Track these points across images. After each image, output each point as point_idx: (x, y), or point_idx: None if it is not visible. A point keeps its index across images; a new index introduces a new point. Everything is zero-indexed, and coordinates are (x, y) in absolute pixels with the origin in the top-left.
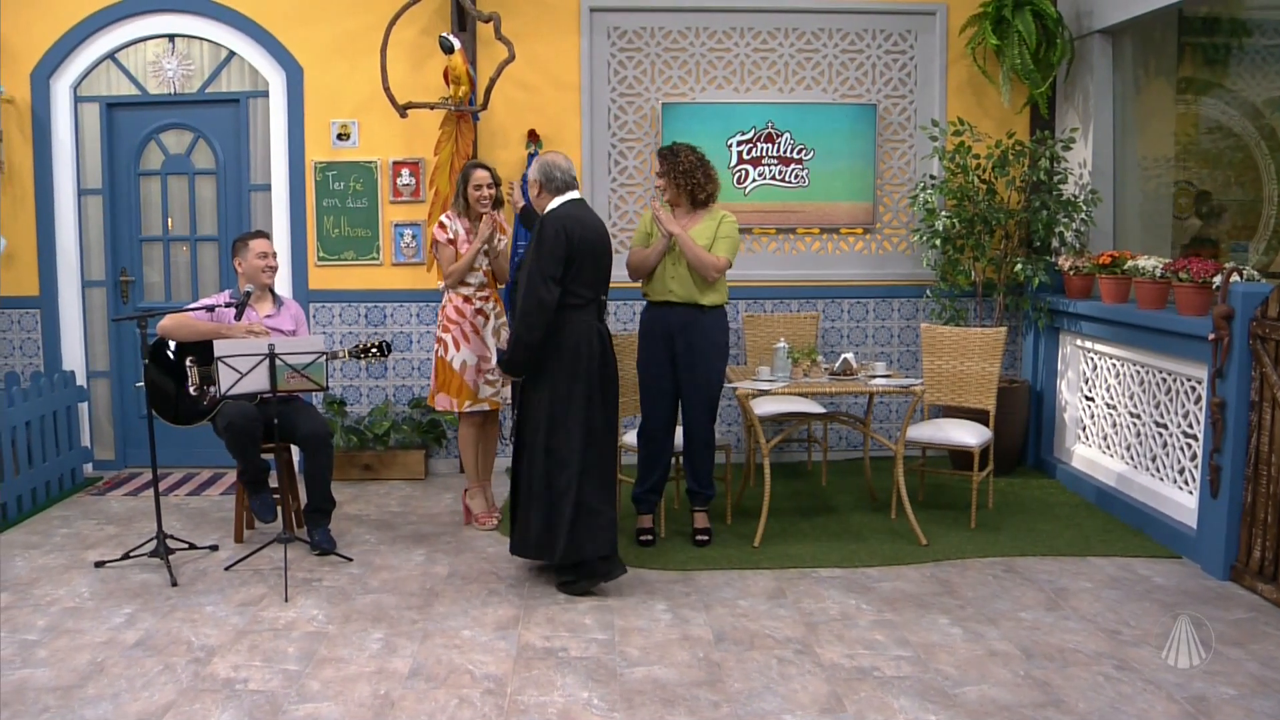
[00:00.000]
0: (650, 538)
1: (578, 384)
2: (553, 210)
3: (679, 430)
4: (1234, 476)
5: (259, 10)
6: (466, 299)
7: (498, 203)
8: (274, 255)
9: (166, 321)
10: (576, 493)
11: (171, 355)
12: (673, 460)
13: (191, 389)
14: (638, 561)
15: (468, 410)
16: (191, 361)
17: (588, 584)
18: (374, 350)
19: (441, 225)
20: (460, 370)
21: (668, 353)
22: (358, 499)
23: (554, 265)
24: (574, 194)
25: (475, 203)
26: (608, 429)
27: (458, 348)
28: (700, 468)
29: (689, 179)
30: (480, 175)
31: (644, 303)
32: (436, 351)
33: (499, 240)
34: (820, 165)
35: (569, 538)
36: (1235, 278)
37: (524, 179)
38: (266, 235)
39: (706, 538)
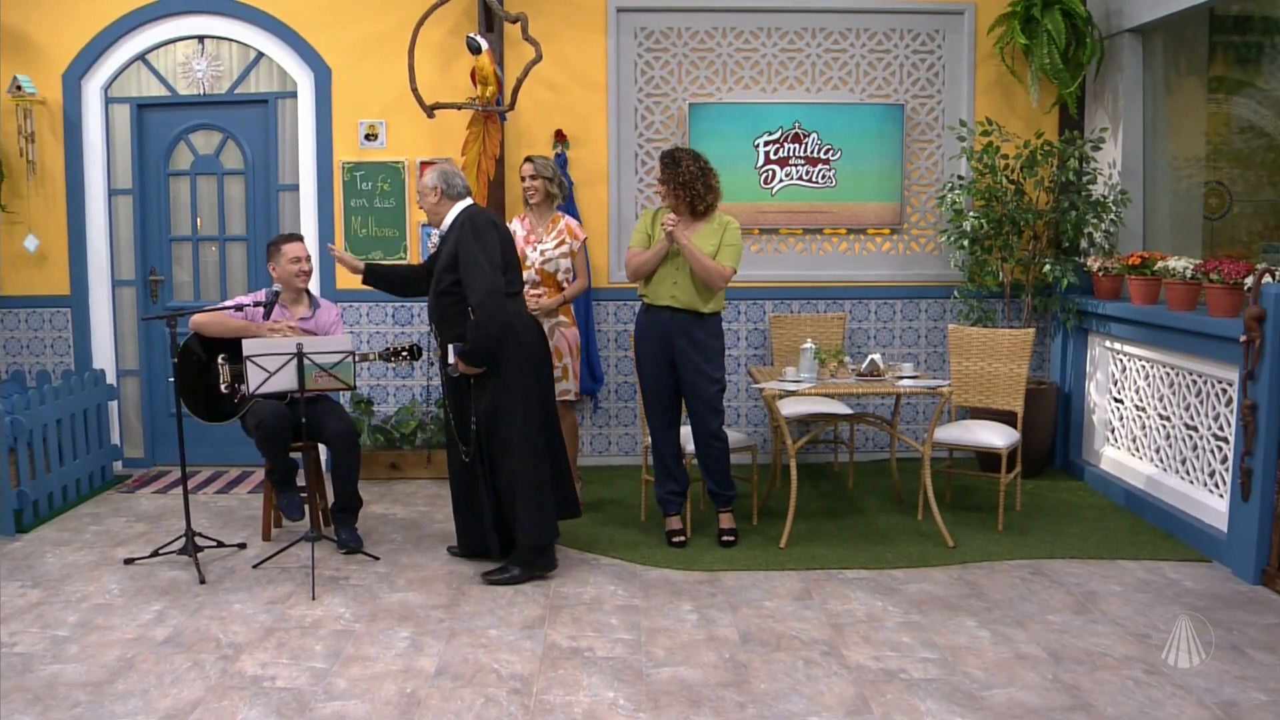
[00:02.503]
0: (683, 539)
1: (532, 371)
2: (467, 208)
3: (687, 431)
4: (1265, 480)
5: (288, 11)
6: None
7: (549, 196)
8: (308, 259)
9: (199, 316)
10: (550, 474)
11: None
12: (684, 460)
13: (223, 386)
14: (664, 562)
15: None
16: (223, 359)
17: (539, 571)
18: (404, 354)
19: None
20: None
21: (666, 356)
22: (385, 498)
23: (496, 253)
24: (469, 200)
25: (525, 193)
26: (554, 410)
27: None
28: (716, 469)
29: (688, 190)
30: (524, 168)
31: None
32: None
33: (568, 242)
34: (847, 165)
35: (544, 517)
36: (1267, 279)
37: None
38: (300, 238)
39: (732, 538)
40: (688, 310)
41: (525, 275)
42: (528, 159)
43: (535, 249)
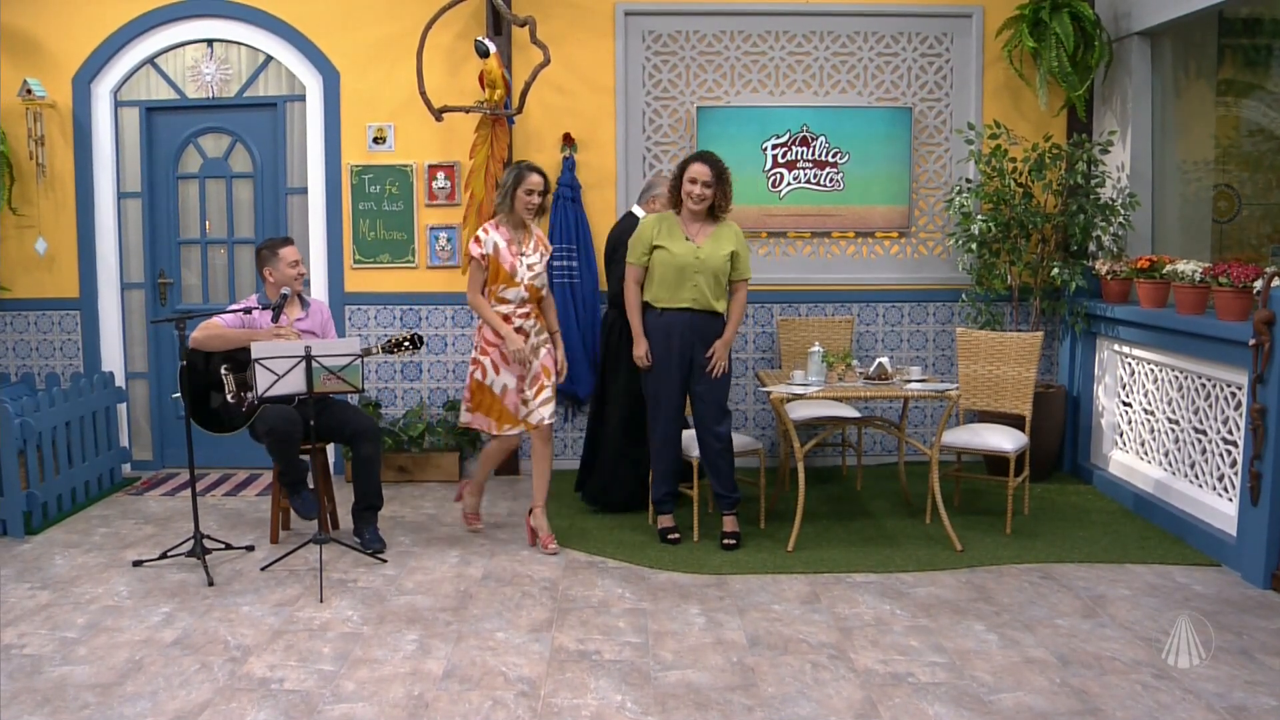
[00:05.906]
0: (677, 535)
1: (617, 366)
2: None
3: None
4: (1275, 484)
5: (296, 15)
6: (505, 318)
7: (542, 210)
8: (302, 261)
9: (198, 333)
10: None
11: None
12: (684, 463)
13: (229, 396)
14: (671, 565)
15: (506, 433)
16: (226, 369)
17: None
18: (406, 344)
19: (477, 239)
20: (501, 395)
21: (684, 358)
22: (393, 501)
23: None
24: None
25: (523, 208)
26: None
27: (497, 371)
28: (722, 472)
29: (725, 198)
30: (535, 180)
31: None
32: (473, 374)
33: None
34: (855, 169)
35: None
36: (1276, 282)
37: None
38: (292, 241)
39: (734, 541)
40: (706, 310)
41: (512, 293)
42: (539, 172)
43: (522, 262)
